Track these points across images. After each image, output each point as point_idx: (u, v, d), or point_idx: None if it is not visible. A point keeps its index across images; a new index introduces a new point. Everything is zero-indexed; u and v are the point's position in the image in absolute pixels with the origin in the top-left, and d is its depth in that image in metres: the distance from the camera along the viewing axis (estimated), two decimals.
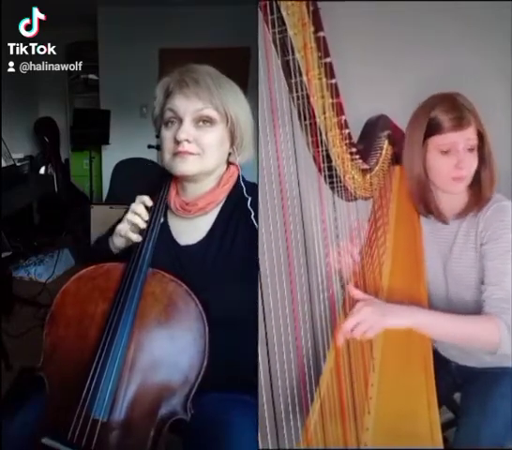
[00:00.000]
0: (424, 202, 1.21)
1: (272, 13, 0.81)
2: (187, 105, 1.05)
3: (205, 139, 1.05)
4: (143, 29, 4.52)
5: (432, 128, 1.11)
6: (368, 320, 0.96)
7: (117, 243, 1.11)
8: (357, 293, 1.03)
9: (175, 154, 1.05)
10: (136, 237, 1.06)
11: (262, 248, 0.92)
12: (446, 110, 1.09)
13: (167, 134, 1.07)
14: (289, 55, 0.86)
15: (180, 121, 1.05)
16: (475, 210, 1.16)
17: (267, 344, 0.83)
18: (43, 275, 3.38)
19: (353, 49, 1.64)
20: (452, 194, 1.18)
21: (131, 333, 0.94)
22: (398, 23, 1.80)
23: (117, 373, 0.91)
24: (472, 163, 1.12)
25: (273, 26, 0.82)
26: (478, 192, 1.15)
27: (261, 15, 0.82)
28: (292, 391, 1.00)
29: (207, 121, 1.06)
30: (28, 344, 2.25)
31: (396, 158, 1.37)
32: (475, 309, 1.13)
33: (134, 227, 1.08)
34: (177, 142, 1.05)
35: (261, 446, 0.89)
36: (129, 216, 1.08)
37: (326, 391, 0.98)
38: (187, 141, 1.04)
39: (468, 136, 1.09)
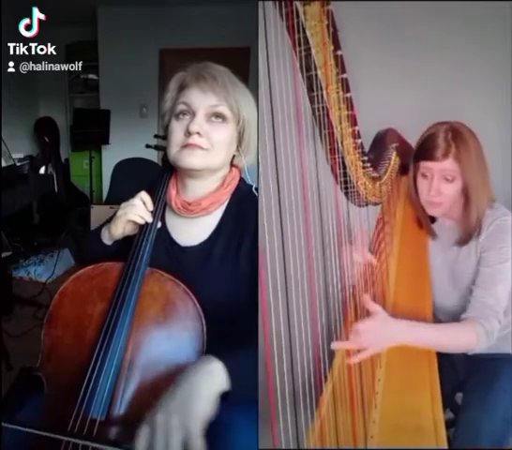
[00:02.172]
0: (418, 215, 1.31)
1: (298, 32, 0.89)
2: (202, 99, 1.04)
3: (216, 135, 1.05)
4: (143, 29, 4.52)
5: (419, 154, 1.21)
6: (369, 340, 1.02)
7: (113, 232, 1.10)
8: (369, 304, 1.06)
9: (184, 146, 1.04)
10: (148, 217, 1.08)
11: (263, 249, 0.92)
12: (431, 140, 1.18)
13: (177, 126, 1.06)
14: (311, 71, 0.94)
15: (193, 114, 1.05)
16: (462, 242, 1.23)
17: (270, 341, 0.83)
18: (43, 275, 3.39)
19: (360, 54, 1.66)
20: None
21: (129, 332, 0.94)
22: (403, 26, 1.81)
23: (115, 373, 0.91)
24: (446, 192, 1.18)
25: (299, 45, 0.91)
26: (465, 225, 1.22)
27: (289, 34, 0.90)
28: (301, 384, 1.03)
29: (219, 117, 1.05)
30: (28, 344, 2.25)
31: (403, 169, 1.42)
32: None
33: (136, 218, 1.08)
34: (187, 135, 1.04)
35: (259, 447, 0.89)
36: (132, 204, 1.09)
37: (338, 383, 1.04)
38: (198, 134, 1.03)
39: (444, 167, 1.16)
